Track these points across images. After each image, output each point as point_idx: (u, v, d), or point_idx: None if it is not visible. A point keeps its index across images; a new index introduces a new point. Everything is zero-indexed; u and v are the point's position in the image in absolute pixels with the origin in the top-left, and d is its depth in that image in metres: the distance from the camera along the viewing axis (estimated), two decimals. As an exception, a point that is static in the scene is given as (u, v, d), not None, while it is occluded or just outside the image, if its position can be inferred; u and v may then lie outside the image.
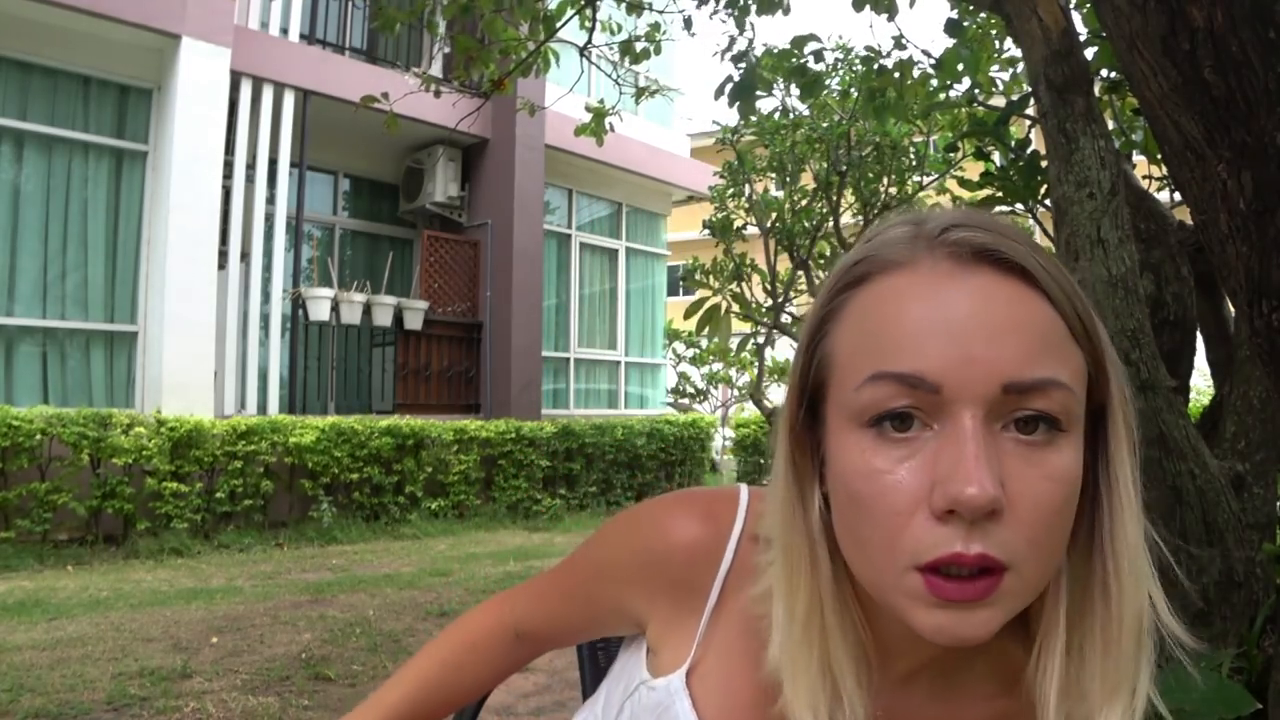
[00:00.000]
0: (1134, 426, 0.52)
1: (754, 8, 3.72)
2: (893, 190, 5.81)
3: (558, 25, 3.65)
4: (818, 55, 3.77)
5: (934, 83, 3.50)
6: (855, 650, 0.54)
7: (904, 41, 3.64)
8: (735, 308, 6.41)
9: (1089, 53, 2.20)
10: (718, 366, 11.21)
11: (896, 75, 3.59)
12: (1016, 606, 0.48)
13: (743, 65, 3.57)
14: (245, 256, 7.11)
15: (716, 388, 12.12)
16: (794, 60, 3.69)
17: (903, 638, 0.55)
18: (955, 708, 0.58)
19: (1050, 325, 0.48)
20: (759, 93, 3.75)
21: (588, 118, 4.53)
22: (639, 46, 4.17)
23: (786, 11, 3.63)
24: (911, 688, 0.57)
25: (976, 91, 3.31)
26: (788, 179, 6.23)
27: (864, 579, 0.52)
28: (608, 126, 4.52)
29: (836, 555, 0.54)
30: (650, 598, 0.66)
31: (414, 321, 8.11)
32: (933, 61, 3.41)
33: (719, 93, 3.63)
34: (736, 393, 12.14)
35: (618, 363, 10.45)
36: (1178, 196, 2.55)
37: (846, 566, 0.54)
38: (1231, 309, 1.88)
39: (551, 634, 0.77)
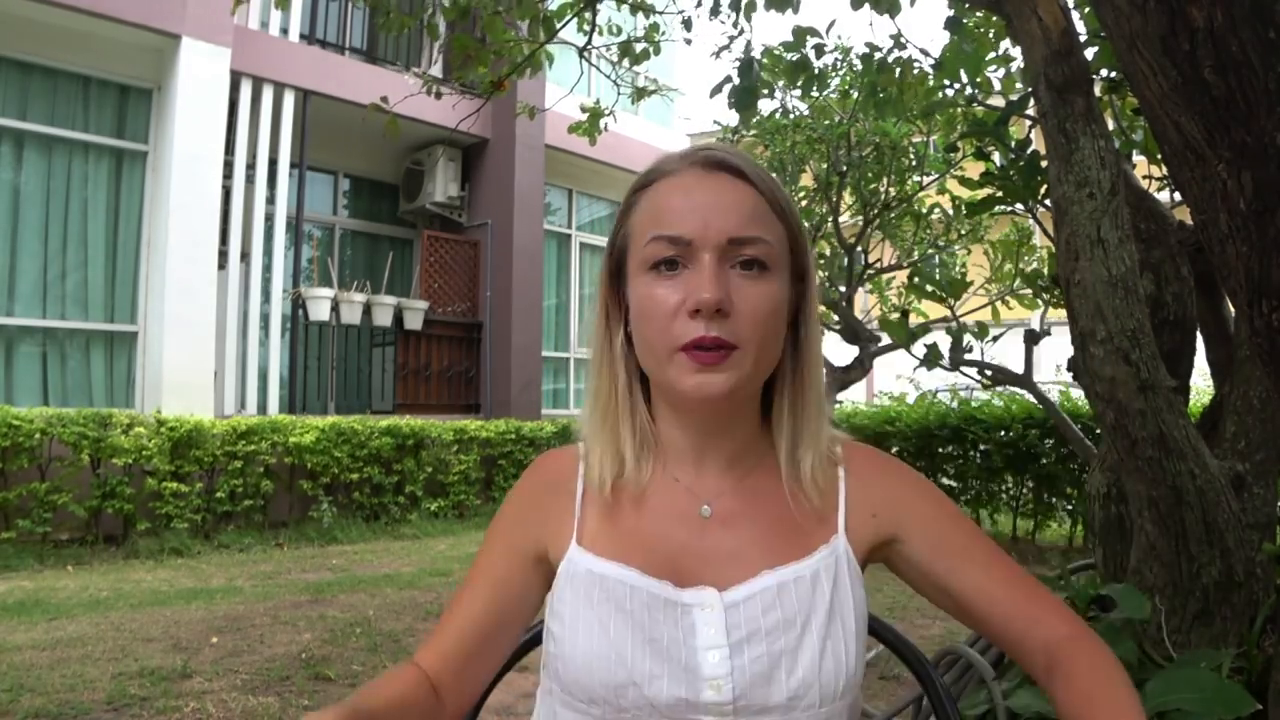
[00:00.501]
0: (816, 285, 0.84)
1: (760, 4, 3.68)
2: (892, 190, 5.79)
3: (558, 26, 3.63)
4: (819, 50, 3.75)
5: (932, 82, 3.48)
6: (639, 436, 0.83)
7: (903, 41, 3.63)
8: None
9: (1089, 53, 2.20)
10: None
11: (897, 73, 3.58)
12: (744, 376, 0.75)
13: (740, 61, 3.55)
14: (245, 256, 7.11)
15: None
16: (796, 54, 3.67)
17: (697, 433, 0.82)
18: (757, 478, 0.84)
19: (757, 205, 0.78)
20: (760, 93, 3.72)
21: (585, 118, 4.52)
22: (638, 48, 4.15)
23: (796, 9, 3.58)
24: (735, 470, 0.84)
25: (976, 92, 3.30)
26: (787, 179, 6.21)
27: (651, 370, 0.79)
28: (602, 126, 4.50)
29: (631, 372, 0.83)
30: (540, 511, 0.84)
31: (414, 321, 8.11)
32: (932, 61, 3.41)
33: (715, 92, 3.61)
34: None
35: (618, 363, 10.43)
36: (1178, 196, 2.55)
37: (642, 384, 0.83)
38: (1231, 309, 1.88)
39: (500, 621, 0.82)
